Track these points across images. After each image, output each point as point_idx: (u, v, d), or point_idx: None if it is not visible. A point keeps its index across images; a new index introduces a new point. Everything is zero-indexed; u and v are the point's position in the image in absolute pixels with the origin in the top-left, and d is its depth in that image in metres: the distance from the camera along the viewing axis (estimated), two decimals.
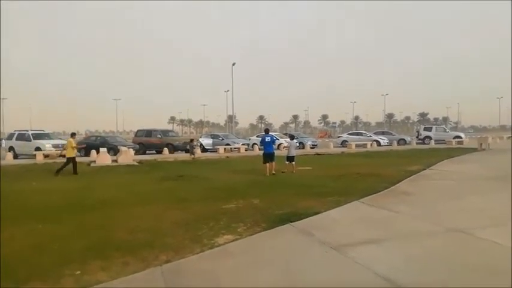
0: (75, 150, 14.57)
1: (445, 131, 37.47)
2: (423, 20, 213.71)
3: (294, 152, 13.13)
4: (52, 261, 4.36)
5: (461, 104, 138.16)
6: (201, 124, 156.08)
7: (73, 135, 15.57)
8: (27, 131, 23.92)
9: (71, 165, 13.69)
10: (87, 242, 5.12)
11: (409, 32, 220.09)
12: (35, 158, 20.18)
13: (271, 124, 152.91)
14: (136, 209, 7.27)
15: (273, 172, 12.08)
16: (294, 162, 12.96)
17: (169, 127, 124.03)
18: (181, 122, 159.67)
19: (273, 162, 12.22)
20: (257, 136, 32.62)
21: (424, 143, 33.78)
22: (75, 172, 13.61)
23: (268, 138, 12.52)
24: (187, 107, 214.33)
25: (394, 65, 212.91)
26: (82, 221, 6.28)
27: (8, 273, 4.00)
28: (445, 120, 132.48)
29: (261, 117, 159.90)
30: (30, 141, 22.50)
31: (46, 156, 20.65)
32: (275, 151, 13.24)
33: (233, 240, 5.08)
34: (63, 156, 14.67)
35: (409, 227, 5.63)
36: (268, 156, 12.27)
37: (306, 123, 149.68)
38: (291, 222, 5.86)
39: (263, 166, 12.25)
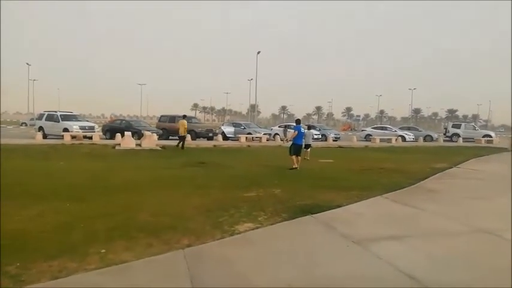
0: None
1: (474, 128, 36.19)
2: (454, 13, 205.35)
3: (310, 141, 14.73)
4: (79, 239, 4.50)
5: (492, 101, 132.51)
6: (223, 112, 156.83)
7: (184, 117, 19.43)
8: (56, 112, 24.62)
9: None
10: (112, 222, 5.25)
11: (439, 24, 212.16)
12: (63, 138, 20.83)
13: (293, 115, 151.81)
14: (158, 192, 7.40)
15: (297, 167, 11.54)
16: (309, 150, 14.47)
17: (191, 114, 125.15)
18: (204, 109, 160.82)
19: (299, 157, 11.75)
20: (279, 126, 32.53)
21: (451, 141, 32.82)
22: (182, 147, 17.45)
23: (302, 130, 12.05)
24: (211, 94, 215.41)
25: (423, 59, 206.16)
26: (107, 202, 6.44)
27: (38, 249, 4.14)
28: (475, 117, 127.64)
29: (283, 108, 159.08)
30: (59, 122, 23.17)
31: (73, 137, 21.27)
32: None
33: (253, 229, 5.10)
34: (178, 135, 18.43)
35: (433, 225, 5.50)
36: (300, 149, 11.78)
37: (329, 115, 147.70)
38: (312, 213, 5.82)
39: (291, 158, 11.57)
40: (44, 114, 24.91)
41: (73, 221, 5.24)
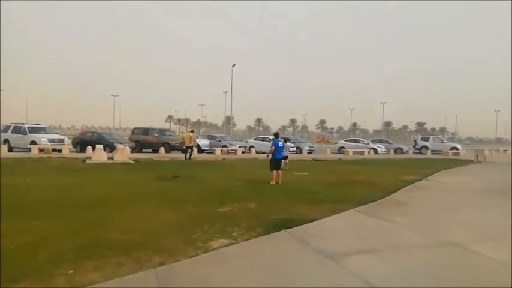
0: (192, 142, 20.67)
1: (442, 141, 37.67)
2: (423, 25, 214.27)
3: (287, 153, 15.88)
4: (45, 260, 4.32)
5: (459, 115, 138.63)
6: (198, 124, 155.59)
7: (192, 131, 22.83)
8: (23, 124, 23.68)
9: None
10: (81, 240, 5.08)
11: (408, 38, 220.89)
12: (30, 151, 20.06)
13: (269, 127, 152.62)
14: (130, 208, 7.23)
15: (279, 181, 11.33)
16: (287, 161, 15.67)
17: (166, 126, 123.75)
18: (179, 121, 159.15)
19: (280, 171, 11.60)
20: (255, 139, 32.62)
21: (420, 153, 33.93)
22: (190, 158, 19.57)
23: (280, 143, 11.92)
24: (185, 106, 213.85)
25: (393, 72, 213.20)
26: (76, 219, 6.23)
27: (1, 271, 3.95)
28: (443, 130, 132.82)
29: (258, 120, 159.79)
30: (26, 134, 22.28)
31: (41, 150, 20.52)
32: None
33: (228, 245, 5.06)
34: (183, 144, 20.96)
35: (403, 238, 5.64)
36: (279, 163, 11.67)
37: (304, 127, 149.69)
38: (286, 228, 5.85)
39: (271, 174, 11.43)
40: (10, 126, 23.93)
41: (39, 240, 5.03)
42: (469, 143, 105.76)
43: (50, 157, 18.13)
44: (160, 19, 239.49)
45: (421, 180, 12.89)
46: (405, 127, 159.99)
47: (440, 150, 33.61)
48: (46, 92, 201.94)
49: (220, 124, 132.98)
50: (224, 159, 21.41)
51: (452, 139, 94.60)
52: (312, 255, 4.68)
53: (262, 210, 7.25)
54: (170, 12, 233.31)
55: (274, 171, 11.41)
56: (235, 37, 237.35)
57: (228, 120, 69.12)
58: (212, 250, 4.84)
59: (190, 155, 20.05)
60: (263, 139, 30.81)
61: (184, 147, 20.34)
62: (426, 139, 37.18)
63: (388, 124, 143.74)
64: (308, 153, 28.96)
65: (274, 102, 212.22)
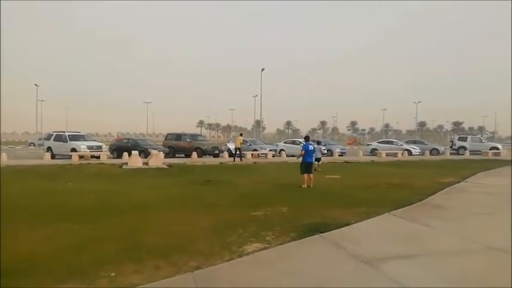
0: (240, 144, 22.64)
1: (481, 141, 35.97)
2: (457, 23, 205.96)
3: (319, 155, 16.53)
4: (88, 262, 4.53)
5: (498, 112, 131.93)
6: (228, 128, 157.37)
7: (241, 135, 24.59)
8: (64, 132, 24.92)
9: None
10: (121, 244, 5.29)
11: (441, 37, 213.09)
12: (70, 158, 21.01)
13: (298, 130, 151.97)
14: (166, 212, 7.43)
15: (311, 185, 11.31)
16: (319, 163, 16.44)
17: (197, 131, 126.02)
18: (209, 126, 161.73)
19: (311, 174, 11.56)
20: (285, 142, 32.51)
21: (458, 154, 32.57)
22: (240, 159, 22.18)
23: (311, 147, 11.80)
24: (216, 111, 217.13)
25: (426, 71, 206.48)
26: (116, 223, 6.49)
27: (48, 272, 4.18)
28: (481, 129, 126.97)
29: (288, 123, 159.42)
30: (67, 142, 23.39)
31: (81, 157, 21.44)
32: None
33: (262, 249, 5.10)
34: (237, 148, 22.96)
35: (443, 243, 5.45)
36: (310, 166, 11.61)
37: (334, 129, 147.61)
38: (321, 232, 5.80)
39: (301, 177, 11.40)
40: (53, 134, 25.22)
41: (82, 243, 5.28)
42: (510, 142, 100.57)
43: (89, 163, 18.90)
44: (189, 25, 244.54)
45: (459, 182, 12.39)
46: (440, 127, 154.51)
47: (479, 151, 32.07)
48: (83, 102, 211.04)
49: (250, 128, 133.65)
50: (255, 163, 21.47)
51: (491, 138, 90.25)
52: (349, 260, 4.62)
53: (295, 214, 7.24)
54: (197, 16, 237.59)
55: (306, 175, 11.33)
56: (263, 41, 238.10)
57: (258, 124, 69.34)
58: (247, 254, 4.89)
59: (237, 156, 22.52)
60: (293, 142, 30.65)
61: (235, 149, 22.91)
62: (464, 139, 35.58)
63: (422, 124, 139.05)
64: (339, 155, 28.48)
65: (304, 104, 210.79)
